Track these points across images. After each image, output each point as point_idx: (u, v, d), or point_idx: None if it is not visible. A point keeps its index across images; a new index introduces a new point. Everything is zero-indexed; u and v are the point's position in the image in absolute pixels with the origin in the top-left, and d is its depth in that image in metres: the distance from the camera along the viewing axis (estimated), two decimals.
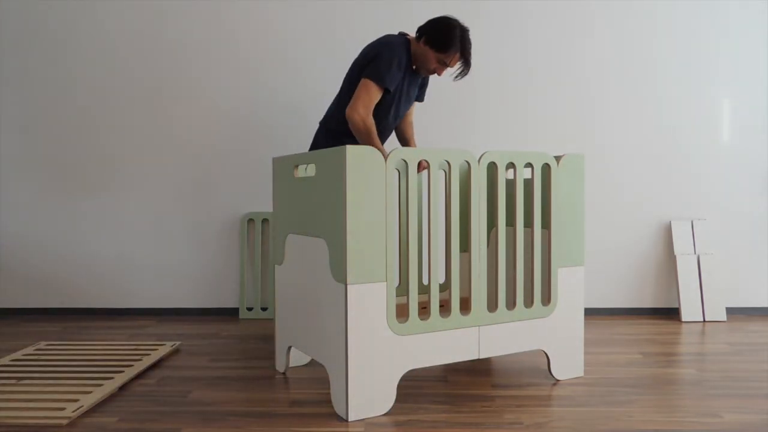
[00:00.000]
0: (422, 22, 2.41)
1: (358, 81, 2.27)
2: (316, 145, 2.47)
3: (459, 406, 1.82)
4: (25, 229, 3.20)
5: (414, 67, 2.38)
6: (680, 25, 3.15)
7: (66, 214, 3.19)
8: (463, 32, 2.29)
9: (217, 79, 3.16)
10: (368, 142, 2.20)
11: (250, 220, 3.20)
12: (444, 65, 2.33)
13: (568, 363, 2.08)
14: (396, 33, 2.45)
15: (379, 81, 2.20)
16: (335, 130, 2.40)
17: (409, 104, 2.46)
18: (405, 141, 2.64)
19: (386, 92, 2.26)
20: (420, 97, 2.60)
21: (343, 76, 3.13)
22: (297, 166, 2.02)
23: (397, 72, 2.24)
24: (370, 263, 1.70)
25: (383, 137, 2.44)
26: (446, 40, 2.26)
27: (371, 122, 2.21)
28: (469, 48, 2.32)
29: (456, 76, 2.38)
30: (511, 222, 2.31)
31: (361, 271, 1.69)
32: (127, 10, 3.14)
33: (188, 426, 1.68)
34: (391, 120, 2.40)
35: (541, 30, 3.16)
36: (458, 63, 2.34)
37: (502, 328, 1.93)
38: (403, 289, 2.38)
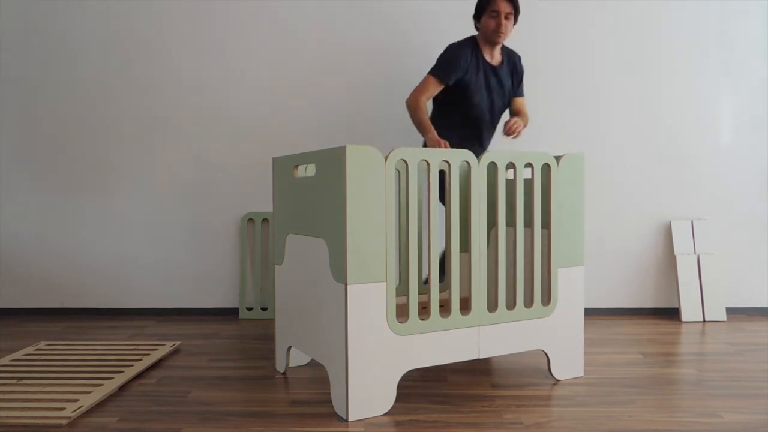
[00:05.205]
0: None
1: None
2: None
3: (459, 406, 1.82)
4: (25, 229, 3.20)
5: (486, 57, 2.63)
6: (681, 25, 3.15)
7: (66, 214, 3.19)
8: None
9: (217, 79, 3.16)
10: (415, 116, 2.54)
11: (250, 220, 3.20)
12: (495, 16, 2.53)
13: (568, 363, 2.08)
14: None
15: (435, 74, 2.56)
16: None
17: (503, 97, 2.71)
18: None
19: (447, 85, 2.58)
20: (518, 93, 2.79)
21: (342, 75, 3.15)
22: (297, 166, 2.02)
23: (456, 67, 2.55)
24: (370, 263, 1.70)
25: (479, 125, 2.69)
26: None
27: (422, 102, 2.54)
28: None
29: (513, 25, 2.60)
30: (511, 222, 2.31)
31: (361, 271, 1.69)
32: (128, 11, 3.14)
33: (188, 426, 1.68)
34: (485, 110, 2.66)
35: (542, 30, 3.16)
36: (506, 5, 2.53)
37: (502, 328, 1.93)
38: (403, 289, 2.39)
